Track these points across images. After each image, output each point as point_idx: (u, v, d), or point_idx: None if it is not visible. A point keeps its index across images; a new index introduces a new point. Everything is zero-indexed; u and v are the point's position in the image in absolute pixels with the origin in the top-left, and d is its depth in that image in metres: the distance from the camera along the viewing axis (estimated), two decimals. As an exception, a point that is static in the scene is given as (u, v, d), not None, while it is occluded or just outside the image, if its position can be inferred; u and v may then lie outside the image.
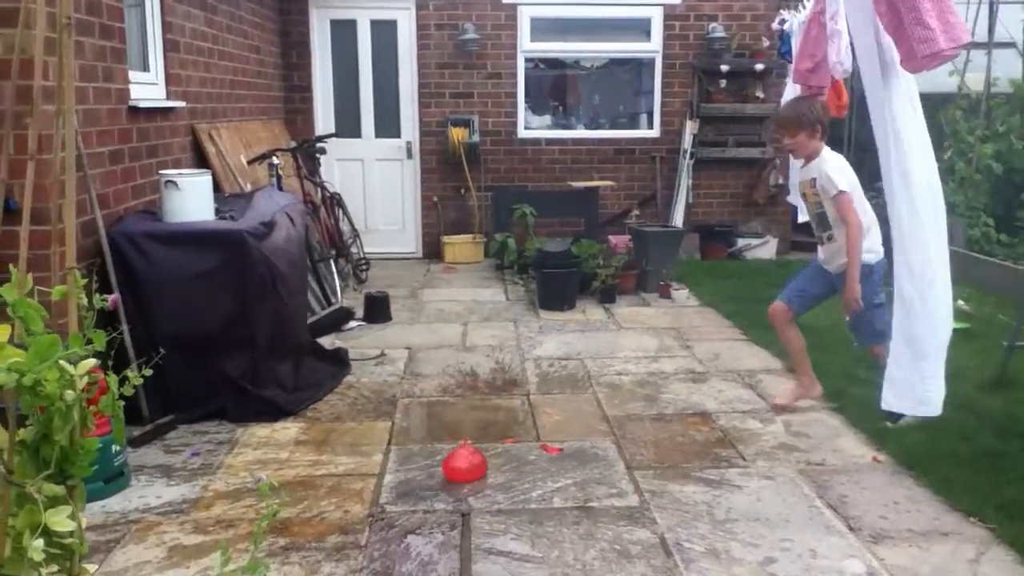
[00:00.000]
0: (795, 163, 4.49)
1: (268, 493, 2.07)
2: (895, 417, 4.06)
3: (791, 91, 5.50)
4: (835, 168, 4.13)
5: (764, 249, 9.05)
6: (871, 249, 4.17)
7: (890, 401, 3.74)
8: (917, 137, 3.54)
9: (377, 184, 9.19)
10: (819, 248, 4.36)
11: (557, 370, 5.26)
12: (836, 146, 10.40)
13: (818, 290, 4.42)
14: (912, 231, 3.54)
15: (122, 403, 1.79)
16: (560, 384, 5.00)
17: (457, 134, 8.90)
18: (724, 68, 8.97)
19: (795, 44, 5.03)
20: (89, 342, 1.73)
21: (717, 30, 8.93)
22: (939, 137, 8.70)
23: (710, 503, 3.48)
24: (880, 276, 4.23)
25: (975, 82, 8.35)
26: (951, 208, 7.85)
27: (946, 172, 8.30)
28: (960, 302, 6.64)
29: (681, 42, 9.14)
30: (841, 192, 4.07)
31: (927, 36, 3.32)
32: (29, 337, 1.56)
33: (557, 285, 6.89)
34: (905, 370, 3.65)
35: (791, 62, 6.22)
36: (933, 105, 8.82)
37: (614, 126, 9.62)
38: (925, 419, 3.86)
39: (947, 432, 4.12)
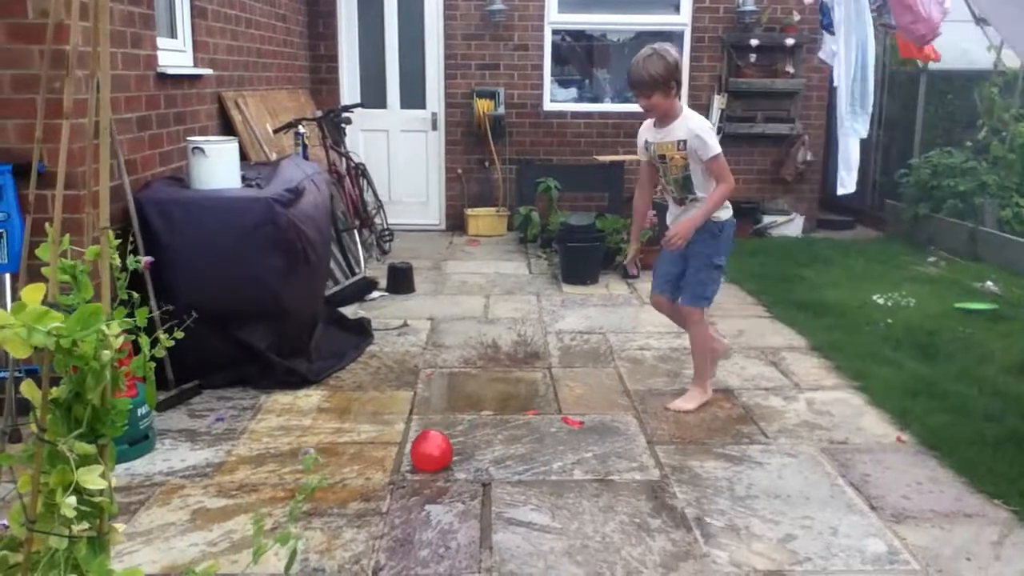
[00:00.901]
0: (647, 123, 4.10)
1: (311, 465, 2.09)
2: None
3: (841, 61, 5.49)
4: (707, 130, 3.92)
5: (790, 227, 8.97)
6: (727, 206, 4.05)
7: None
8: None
9: (402, 155, 9.18)
10: (673, 209, 4.16)
11: (579, 344, 5.26)
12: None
13: (680, 265, 4.16)
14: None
15: (153, 365, 1.81)
16: (582, 358, 5.00)
17: (482, 106, 8.86)
18: (754, 42, 8.84)
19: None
20: (122, 303, 1.75)
21: (748, 3, 8.79)
22: (972, 116, 8.56)
23: (731, 479, 3.48)
24: (729, 237, 4.12)
25: (1012, 59, 8.18)
26: (983, 187, 7.75)
27: (978, 151, 8.17)
28: (988, 283, 6.57)
29: (711, 15, 9.02)
30: (718, 154, 3.88)
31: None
32: (63, 296, 1.57)
33: (580, 259, 6.87)
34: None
35: (832, 33, 6.14)
36: (966, 83, 8.69)
37: (641, 100, 9.51)
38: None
39: (972, 414, 4.09)
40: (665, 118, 3.94)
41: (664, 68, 3.76)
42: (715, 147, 3.87)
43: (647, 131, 4.08)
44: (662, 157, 4.01)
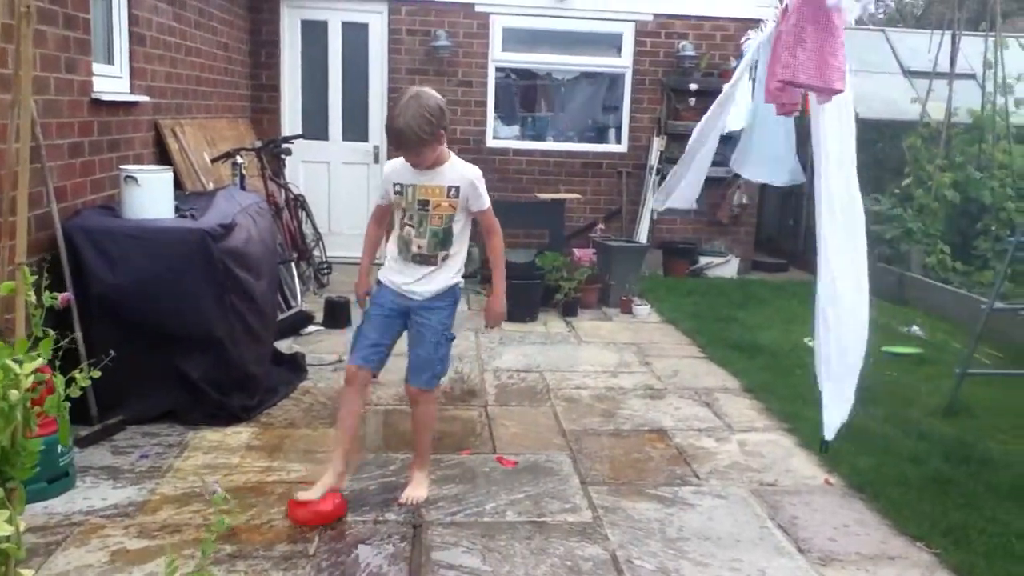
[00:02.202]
0: (399, 164, 3.46)
1: (221, 504, 2.03)
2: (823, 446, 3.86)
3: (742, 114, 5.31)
4: (481, 178, 3.48)
5: (726, 268, 9.14)
6: (461, 270, 3.58)
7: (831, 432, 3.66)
8: (841, 160, 3.53)
9: (343, 187, 9.12)
10: (409, 270, 3.47)
11: (516, 382, 5.25)
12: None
13: (393, 336, 3.57)
14: (836, 254, 3.58)
15: (68, 404, 1.75)
16: (518, 396, 4.99)
17: (425, 141, 8.85)
18: (693, 87, 9.04)
19: (762, 64, 4.83)
20: (37, 340, 1.69)
21: (687, 48, 9.01)
22: (900, 164, 8.86)
23: (663, 520, 3.49)
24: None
25: (937, 111, 8.51)
26: (909, 234, 8.01)
27: (904, 199, 8.45)
28: (914, 327, 6.76)
29: (651, 59, 9.21)
30: (489, 205, 3.53)
31: (789, 62, 3.37)
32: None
33: (520, 296, 6.86)
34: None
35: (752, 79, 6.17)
36: (895, 132, 9.01)
37: (582, 139, 9.65)
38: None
39: (898, 456, 4.18)
40: (433, 163, 3.41)
41: (431, 122, 3.24)
42: (488, 199, 3.51)
43: (400, 172, 3.44)
44: (423, 204, 3.41)
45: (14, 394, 1.45)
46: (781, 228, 10.87)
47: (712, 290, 8.17)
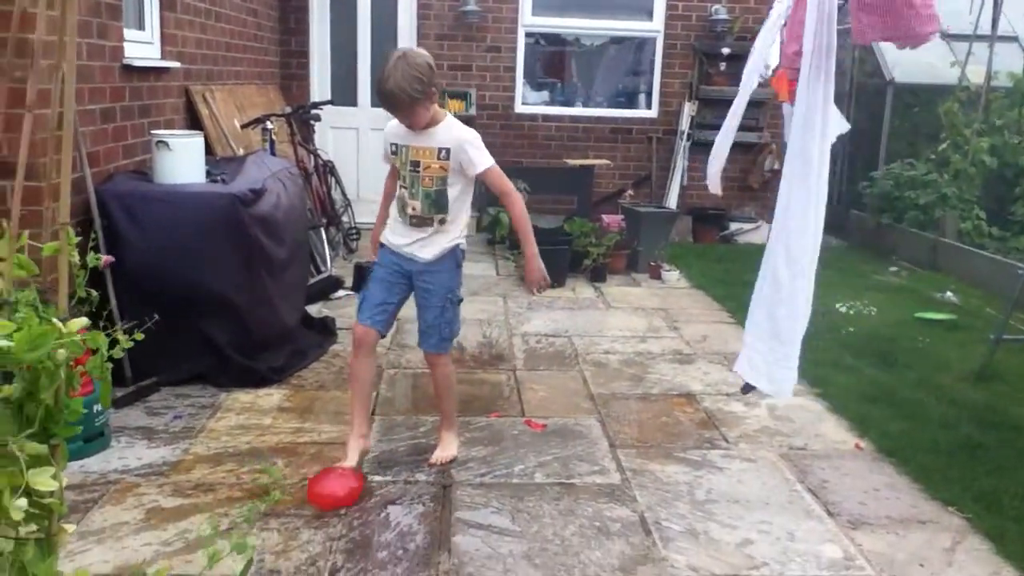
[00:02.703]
0: (397, 125, 3.43)
1: (277, 476, 2.06)
2: (747, 388, 3.84)
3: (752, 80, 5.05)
4: (475, 141, 3.37)
5: (756, 234, 9.04)
6: (462, 234, 3.55)
7: (744, 369, 3.60)
8: (822, 128, 3.38)
9: (371, 154, 9.11)
10: (407, 232, 3.46)
11: (544, 347, 5.26)
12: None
13: (399, 295, 3.55)
14: (799, 216, 3.48)
15: (110, 365, 1.78)
16: (547, 361, 5.00)
17: (453, 106, 8.83)
18: (725, 51, 8.91)
19: (780, 29, 4.63)
20: (81, 301, 1.71)
21: (720, 12, 8.87)
22: (936, 129, 8.70)
23: (691, 483, 3.50)
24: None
25: (976, 75, 8.32)
26: (943, 200, 7.87)
27: (940, 165, 8.30)
28: (948, 293, 6.68)
29: (683, 23, 9.08)
30: (493, 165, 3.40)
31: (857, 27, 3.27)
32: (20, 293, 1.54)
33: (547, 262, 6.75)
34: (762, 346, 3.53)
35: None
36: (931, 97, 8.83)
37: (612, 105, 9.56)
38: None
39: (929, 422, 4.15)
40: (427, 124, 3.36)
41: (421, 80, 3.17)
42: (488, 158, 3.39)
43: (396, 132, 3.44)
44: (414, 164, 3.38)
45: (60, 353, 1.48)
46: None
47: (742, 256, 8.09)
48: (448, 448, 3.65)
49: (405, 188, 3.42)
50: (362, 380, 3.54)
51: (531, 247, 3.52)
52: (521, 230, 3.53)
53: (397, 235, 3.50)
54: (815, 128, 3.29)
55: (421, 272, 3.46)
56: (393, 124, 3.45)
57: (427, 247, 3.44)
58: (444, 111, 3.41)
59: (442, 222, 3.43)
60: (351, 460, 3.44)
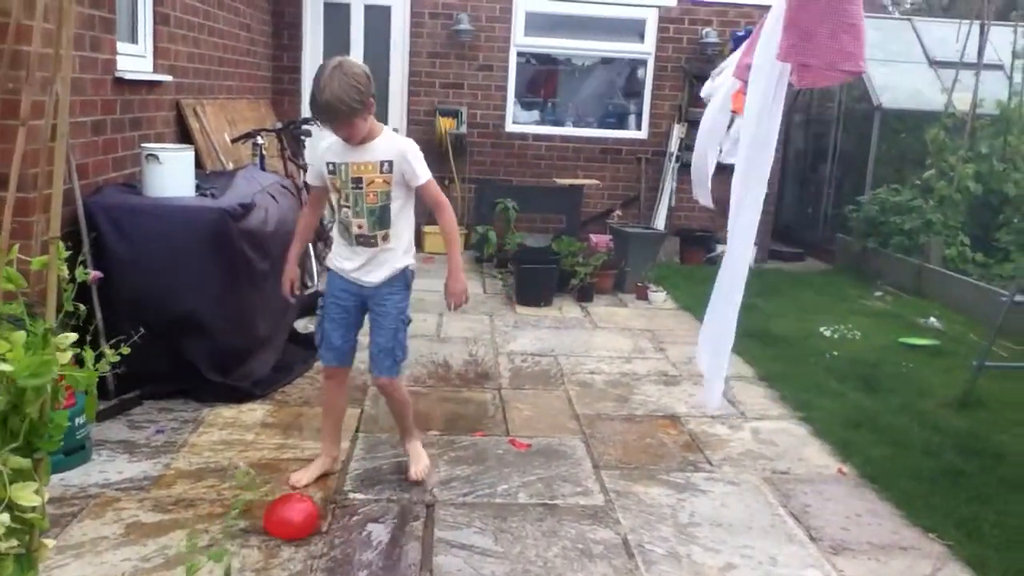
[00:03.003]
0: (331, 143, 3.32)
1: (244, 479, 2.06)
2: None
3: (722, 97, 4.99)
4: (416, 152, 3.30)
5: (743, 256, 9.08)
6: (410, 251, 3.47)
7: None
8: (766, 135, 3.41)
9: (361, 170, 9.13)
10: (354, 255, 3.36)
11: (530, 366, 5.27)
12: (820, 158, 10.44)
13: (357, 324, 3.50)
14: (744, 231, 3.54)
15: (96, 378, 1.77)
16: (532, 380, 5.01)
17: (445, 124, 8.88)
18: (715, 73, 8.97)
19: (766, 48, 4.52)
20: (68, 315, 1.71)
21: (711, 35, 8.95)
22: (922, 155, 8.78)
23: (674, 506, 3.50)
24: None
25: (962, 102, 8.42)
26: (928, 226, 7.94)
27: (925, 191, 8.38)
28: (932, 319, 6.72)
29: (674, 45, 9.16)
30: (431, 178, 3.34)
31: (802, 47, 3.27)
32: (7, 305, 1.54)
33: (535, 281, 6.89)
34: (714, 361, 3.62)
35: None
36: (918, 123, 8.92)
37: (602, 125, 9.62)
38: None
39: (911, 448, 4.17)
40: (365, 137, 3.25)
41: (359, 90, 3.09)
42: (427, 170, 3.33)
43: (331, 150, 3.30)
44: (356, 181, 3.25)
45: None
46: (799, 217, 10.81)
47: (729, 279, 8.13)
48: (421, 459, 3.65)
49: (347, 207, 3.29)
50: (336, 407, 3.60)
51: (457, 260, 3.45)
52: (450, 242, 3.46)
53: (344, 259, 3.39)
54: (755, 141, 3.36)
55: (374, 295, 3.40)
56: (325, 144, 3.35)
57: (376, 270, 3.36)
58: (380, 124, 3.33)
59: (385, 238, 3.33)
60: (307, 478, 3.45)
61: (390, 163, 3.25)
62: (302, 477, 3.46)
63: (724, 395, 4.87)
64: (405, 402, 3.67)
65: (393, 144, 3.28)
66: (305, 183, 7.25)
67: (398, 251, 3.37)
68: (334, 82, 3.07)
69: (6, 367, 1.39)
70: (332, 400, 3.58)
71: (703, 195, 5.05)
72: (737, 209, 3.43)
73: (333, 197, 3.35)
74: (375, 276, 3.36)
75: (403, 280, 3.43)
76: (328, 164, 3.30)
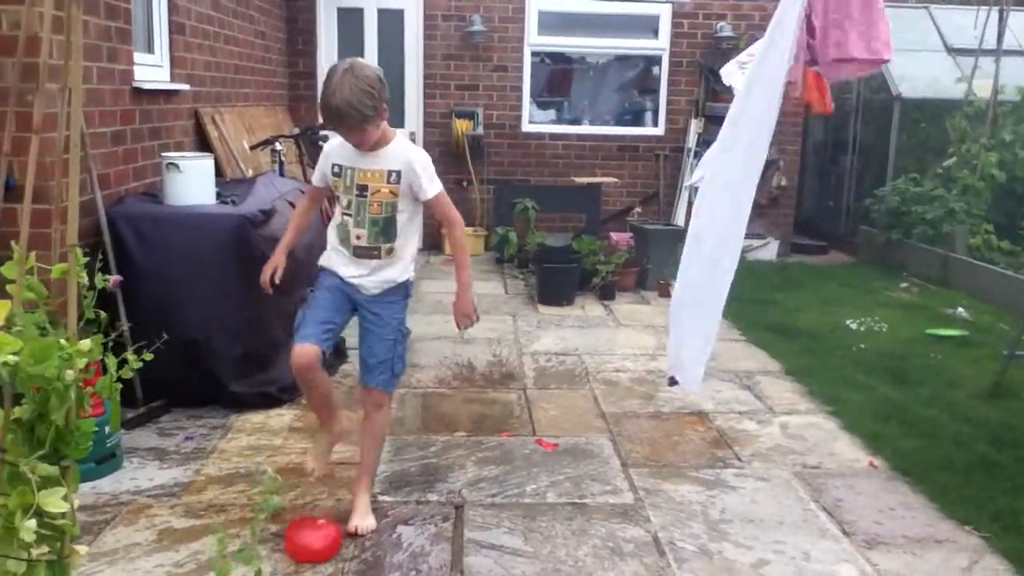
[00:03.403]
0: (340, 145, 3.12)
1: (270, 484, 2.05)
2: (673, 381, 3.66)
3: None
4: (427, 163, 3.11)
5: (765, 251, 9.04)
6: (412, 265, 3.24)
7: (671, 362, 3.60)
8: (758, 126, 3.41)
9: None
10: (349, 264, 3.14)
11: (554, 365, 5.25)
12: (840, 149, 10.37)
13: (345, 313, 3.23)
14: (724, 216, 3.51)
15: (119, 385, 1.77)
16: (557, 379, 4.99)
17: (461, 126, 8.88)
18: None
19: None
20: (89, 323, 1.72)
21: (725, 29, 8.90)
22: (942, 144, 8.69)
23: (704, 503, 3.47)
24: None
25: (983, 89, 8.32)
26: (951, 215, 7.85)
27: (947, 180, 8.29)
28: (959, 309, 6.65)
29: (689, 40, 9.11)
30: (442, 191, 3.16)
31: (840, 39, 3.27)
32: (27, 314, 1.54)
33: (557, 280, 6.87)
34: (677, 335, 3.60)
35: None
36: (938, 112, 8.83)
37: (619, 123, 9.59)
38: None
39: (943, 440, 4.12)
40: (375, 144, 3.06)
41: (372, 95, 2.89)
42: (438, 184, 3.14)
43: (339, 152, 3.12)
44: (361, 189, 3.05)
45: (69, 374, 1.48)
46: (820, 210, 10.72)
47: (751, 273, 8.06)
48: (368, 515, 3.21)
49: (349, 215, 3.09)
50: (323, 399, 3.26)
51: (466, 279, 3.25)
52: (462, 262, 3.26)
53: (340, 266, 3.16)
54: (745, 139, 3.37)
55: (371, 302, 3.15)
56: (335, 144, 3.16)
57: (378, 278, 3.13)
58: (394, 130, 3.14)
59: (390, 252, 3.11)
60: (320, 463, 3.28)
61: (398, 173, 3.04)
62: (317, 466, 3.27)
63: (751, 390, 4.85)
64: (386, 426, 3.45)
65: (404, 153, 3.08)
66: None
67: (399, 266, 3.15)
68: (345, 86, 2.86)
69: (11, 358, 1.39)
70: (317, 388, 3.20)
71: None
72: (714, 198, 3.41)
73: (336, 203, 3.16)
74: (374, 284, 3.14)
75: (403, 290, 3.21)
76: (334, 166, 3.12)
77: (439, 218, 3.25)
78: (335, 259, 3.17)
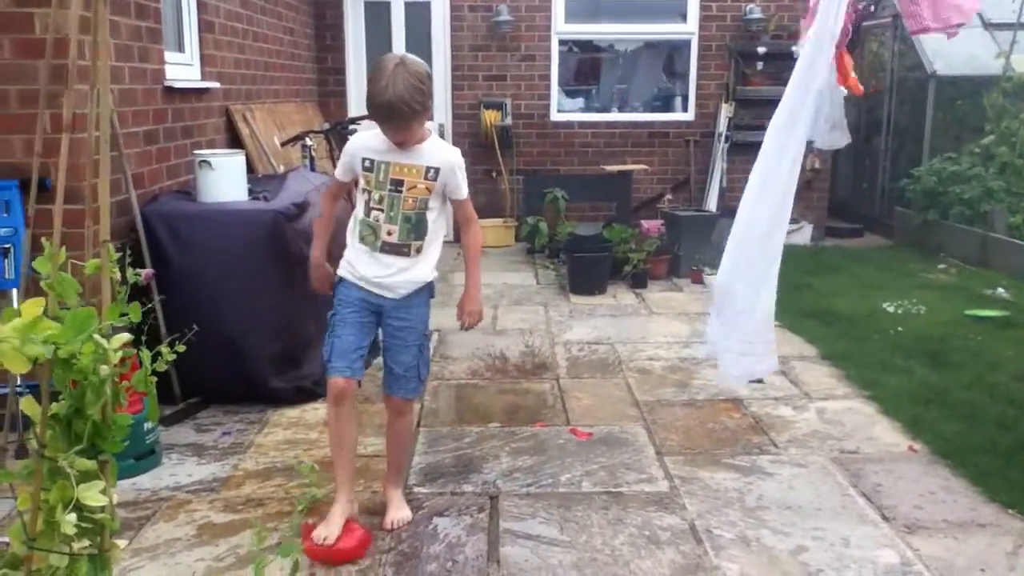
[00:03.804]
0: (370, 138, 3.06)
1: (309, 473, 2.06)
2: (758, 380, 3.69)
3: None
4: (462, 163, 3.10)
5: (799, 235, 8.92)
6: (435, 264, 3.16)
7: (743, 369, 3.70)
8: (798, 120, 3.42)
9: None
10: (377, 263, 3.03)
11: (587, 354, 5.24)
12: (874, 130, 10.21)
13: (370, 335, 3.14)
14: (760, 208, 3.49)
15: (155, 379, 1.79)
16: (590, 368, 4.97)
17: (489, 117, 8.87)
18: (761, 50, 8.82)
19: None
20: (122, 316, 1.74)
21: (755, 11, 8.79)
22: (980, 122, 8.52)
23: (741, 490, 3.44)
24: None
25: (1021, 64, 8.14)
26: (989, 194, 7.70)
27: (986, 158, 8.12)
28: (999, 289, 6.52)
29: (718, 23, 9.01)
30: (467, 195, 3.16)
31: (914, 12, 3.27)
32: (63, 312, 1.56)
33: (588, 269, 6.85)
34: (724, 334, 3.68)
35: None
36: (975, 89, 8.65)
37: (648, 109, 9.52)
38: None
39: (985, 423, 4.05)
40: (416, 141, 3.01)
41: (422, 91, 2.84)
42: (466, 187, 3.14)
43: (371, 146, 3.02)
44: (396, 184, 2.98)
45: (104, 368, 1.49)
46: (855, 192, 10.57)
47: (786, 257, 7.87)
48: (403, 508, 3.22)
49: (381, 211, 2.99)
50: (348, 441, 3.11)
51: (476, 278, 3.23)
52: (471, 258, 3.24)
53: (364, 265, 3.04)
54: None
55: (397, 308, 3.07)
56: (365, 137, 3.08)
57: (405, 278, 3.05)
58: (427, 127, 3.07)
59: (419, 250, 3.04)
60: (332, 531, 2.96)
61: (436, 170, 3.00)
62: (331, 534, 2.95)
63: (787, 376, 4.80)
64: (412, 428, 3.43)
65: (442, 152, 3.05)
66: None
67: (427, 266, 3.09)
68: (399, 81, 2.79)
69: (50, 331, 1.39)
70: (343, 430, 3.08)
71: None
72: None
73: (361, 198, 3.05)
74: (399, 288, 3.05)
75: (428, 291, 3.16)
76: (365, 160, 3.01)
77: (460, 218, 3.21)
78: (358, 260, 3.06)
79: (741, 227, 3.66)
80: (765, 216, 3.58)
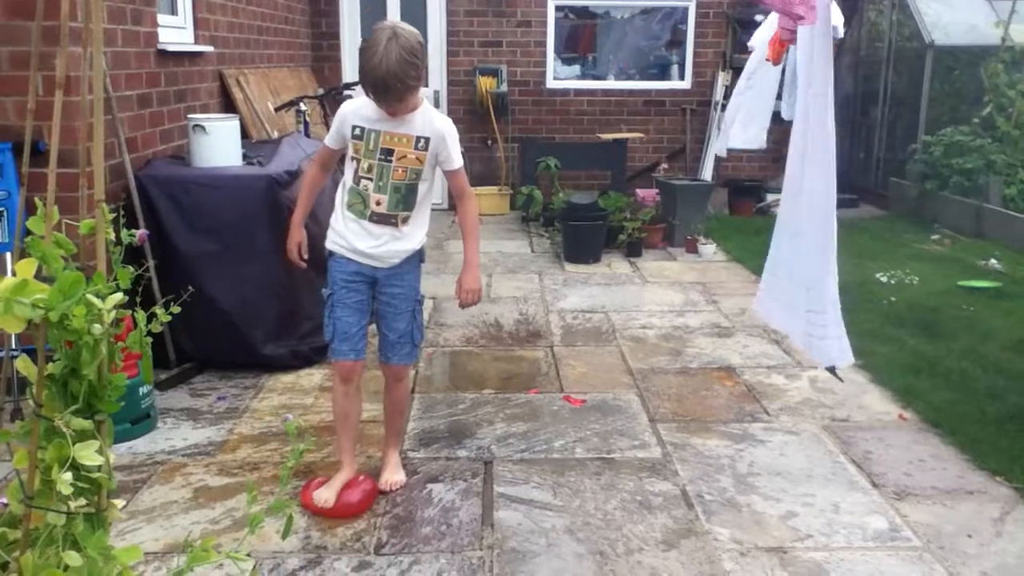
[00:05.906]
0: (362, 105, 2.97)
1: (295, 433, 2.07)
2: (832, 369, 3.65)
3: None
4: (455, 132, 3.03)
5: (794, 205, 8.92)
6: (424, 235, 3.14)
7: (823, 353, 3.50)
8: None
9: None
10: (364, 233, 3.00)
11: (581, 323, 5.25)
12: (870, 100, 10.17)
13: (368, 309, 3.13)
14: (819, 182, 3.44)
15: (150, 340, 1.80)
16: (584, 336, 4.99)
17: (485, 84, 8.81)
18: (759, 18, 8.72)
19: None
20: (114, 278, 1.73)
21: (753, -21, 8.72)
22: (978, 93, 8.49)
23: (733, 457, 3.48)
24: None
25: (1020, 34, 8.10)
26: (990, 166, 7.69)
27: (985, 129, 8.10)
28: (992, 260, 6.55)
29: (715, -9, 8.95)
30: (462, 165, 3.08)
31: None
32: (60, 272, 1.56)
33: (583, 238, 6.85)
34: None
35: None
36: (974, 59, 8.61)
37: (644, 77, 9.47)
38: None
39: (975, 392, 4.08)
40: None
41: (415, 65, 2.78)
42: (460, 156, 3.06)
43: (362, 113, 2.96)
44: (386, 153, 2.93)
45: (97, 328, 1.49)
46: (851, 162, 10.55)
47: (780, 228, 8.00)
48: (398, 471, 3.26)
49: (369, 179, 2.96)
50: (352, 418, 3.17)
51: (475, 254, 3.17)
52: (468, 234, 3.17)
53: (355, 236, 3.01)
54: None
55: (389, 276, 3.07)
56: (356, 104, 3.00)
57: (395, 247, 3.03)
58: (420, 95, 2.99)
59: (405, 221, 3.01)
60: (332, 499, 3.03)
61: (427, 140, 2.94)
62: (331, 498, 3.01)
63: (780, 345, 4.83)
64: (408, 394, 3.46)
65: (433, 121, 2.97)
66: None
67: (416, 236, 3.07)
68: (391, 55, 2.72)
69: (39, 295, 1.39)
70: (348, 408, 3.14)
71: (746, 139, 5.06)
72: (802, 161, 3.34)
73: (350, 167, 3.01)
74: (390, 259, 3.04)
75: (418, 257, 3.13)
76: (355, 128, 2.96)
77: (455, 191, 3.16)
78: (347, 231, 3.02)
79: (805, 211, 3.57)
80: (820, 192, 3.49)
